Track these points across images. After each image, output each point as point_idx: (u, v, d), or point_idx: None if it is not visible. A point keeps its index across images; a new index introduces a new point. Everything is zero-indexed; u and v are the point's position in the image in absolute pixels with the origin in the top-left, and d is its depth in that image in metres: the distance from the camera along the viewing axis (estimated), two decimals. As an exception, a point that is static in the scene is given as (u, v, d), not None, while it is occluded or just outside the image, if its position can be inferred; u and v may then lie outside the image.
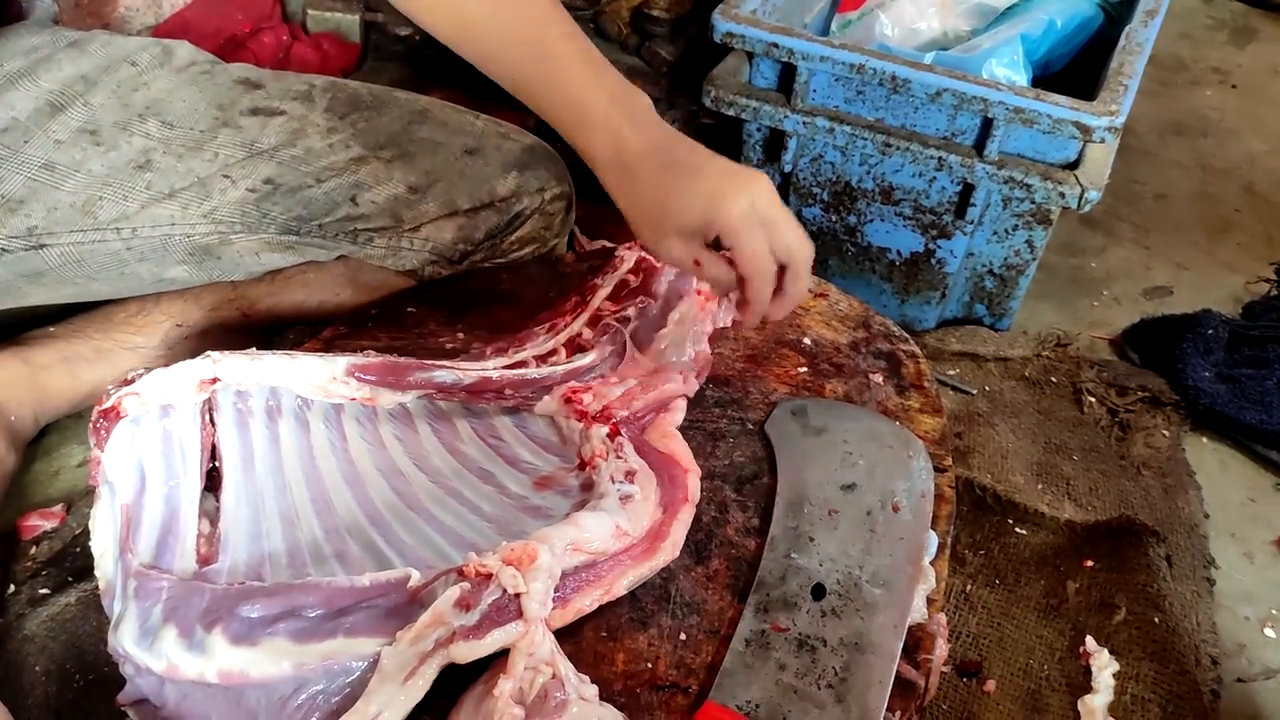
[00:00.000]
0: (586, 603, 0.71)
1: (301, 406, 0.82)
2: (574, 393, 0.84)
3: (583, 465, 0.80)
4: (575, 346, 0.89)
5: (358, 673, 0.63)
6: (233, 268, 0.97)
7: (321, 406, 0.82)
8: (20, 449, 0.96)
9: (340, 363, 0.80)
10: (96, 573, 0.73)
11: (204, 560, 0.72)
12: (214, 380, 0.78)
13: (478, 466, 0.82)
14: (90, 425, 0.75)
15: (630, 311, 0.91)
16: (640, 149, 0.80)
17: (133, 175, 0.92)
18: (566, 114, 0.82)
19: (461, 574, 0.65)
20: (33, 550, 0.92)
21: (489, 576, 0.64)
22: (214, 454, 0.79)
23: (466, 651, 0.62)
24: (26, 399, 0.95)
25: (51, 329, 1.00)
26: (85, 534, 0.93)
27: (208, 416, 0.79)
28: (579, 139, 0.82)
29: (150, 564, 0.70)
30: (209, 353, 0.78)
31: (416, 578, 0.66)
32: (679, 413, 0.87)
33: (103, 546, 0.74)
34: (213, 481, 0.78)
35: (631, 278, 0.94)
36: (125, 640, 0.65)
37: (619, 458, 0.78)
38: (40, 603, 0.86)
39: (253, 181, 0.95)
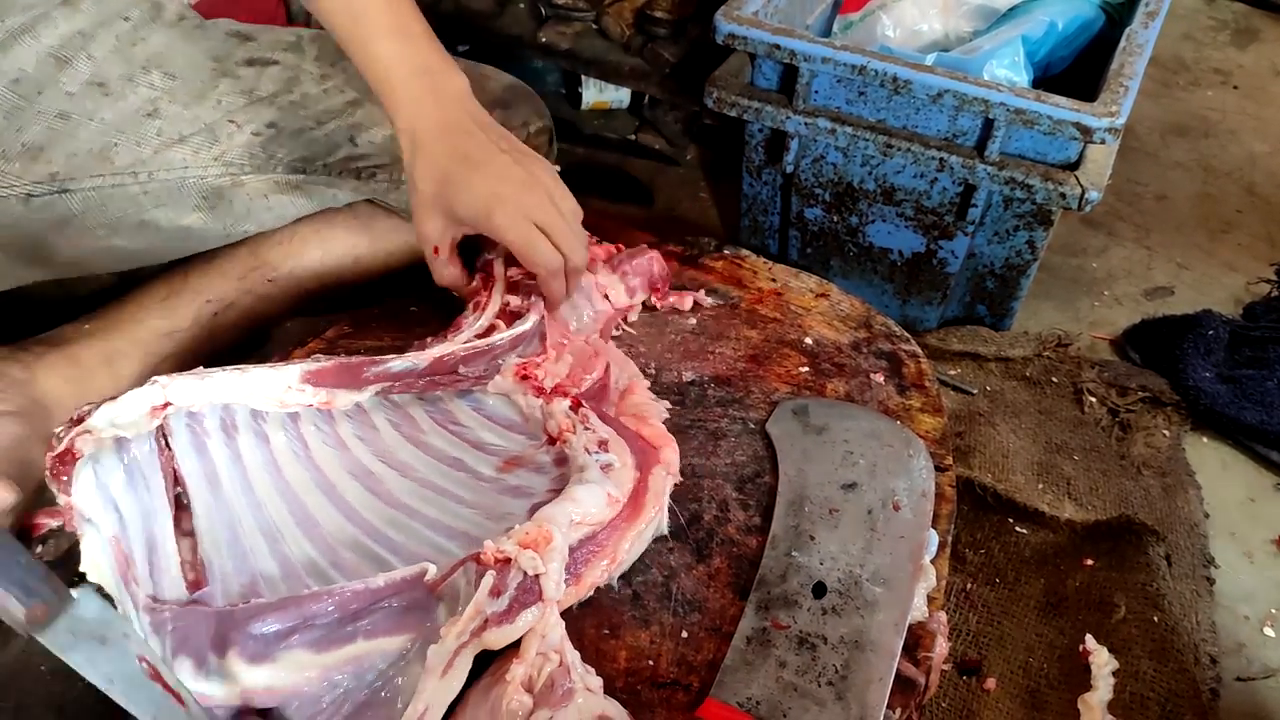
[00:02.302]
0: (597, 574, 0.72)
1: (256, 419, 0.80)
2: (526, 368, 0.85)
3: (552, 440, 0.81)
4: (510, 315, 0.89)
5: (382, 671, 0.64)
6: (245, 214, 1.00)
7: (277, 416, 0.81)
8: None
9: (292, 371, 0.78)
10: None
11: (193, 585, 0.72)
12: (165, 405, 0.76)
13: (446, 455, 0.82)
14: (48, 473, 0.72)
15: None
16: (435, 128, 0.86)
17: (143, 123, 0.96)
18: (374, 79, 0.88)
19: (479, 562, 0.65)
20: (39, 549, 0.92)
21: (508, 561, 0.65)
22: (178, 479, 0.77)
23: (499, 637, 0.63)
24: (71, 406, 0.96)
25: (86, 326, 1.00)
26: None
27: (163, 442, 0.77)
28: (384, 105, 0.88)
29: (151, 596, 0.69)
30: (156, 378, 0.76)
31: (434, 571, 0.66)
32: (645, 395, 0.88)
33: (102, 580, 0.73)
34: (184, 506, 0.77)
35: None
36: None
37: (588, 429, 0.79)
38: (46, 601, 0.86)
39: (257, 125, 0.99)
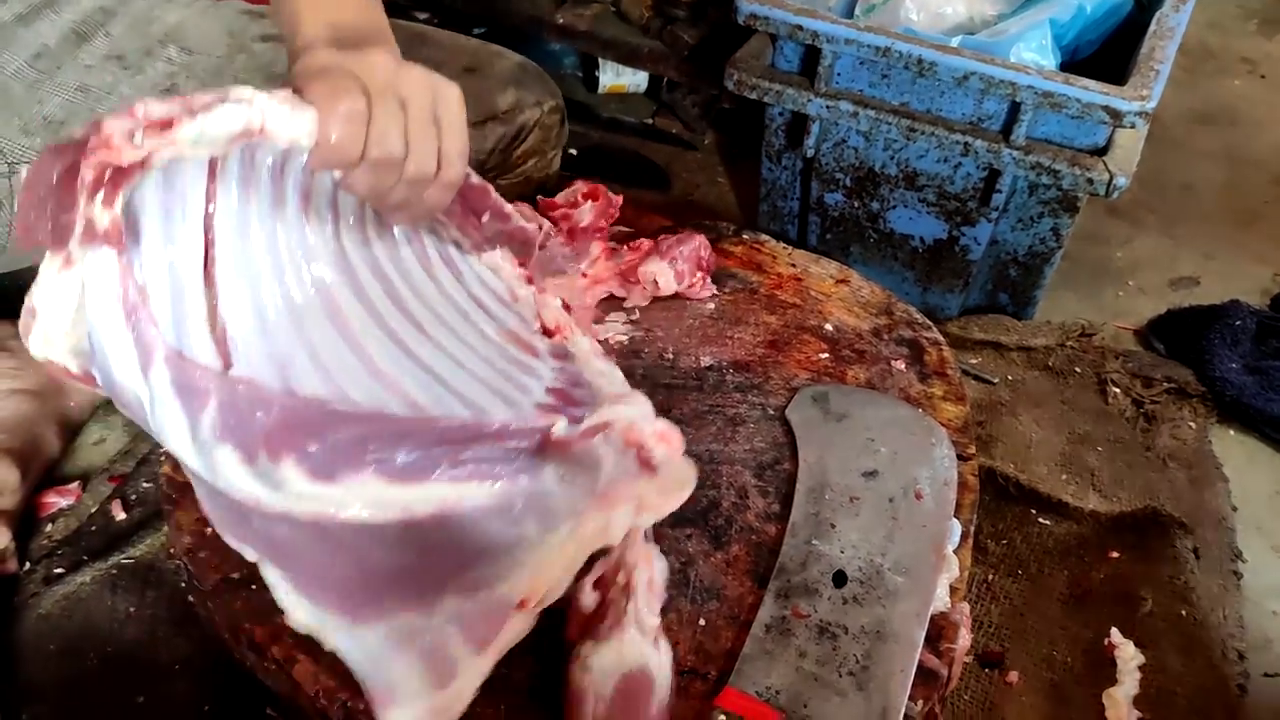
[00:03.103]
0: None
1: (307, 173, 0.69)
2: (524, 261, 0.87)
3: (547, 331, 0.83)
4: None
5: (464, 528, 0.57)
6: None
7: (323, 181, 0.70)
8: (66, 438, 0.96)
9: None
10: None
11: (222, 355, 0.61)
12: (262, 129, 0.61)
13: (452, 298, 0.79)
14: (88, 176, 0.56)
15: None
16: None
17: (160, 98, 0.94)
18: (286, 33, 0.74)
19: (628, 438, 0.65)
20: (49, 528, 0.91)
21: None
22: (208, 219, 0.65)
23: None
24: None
25: None
26: (100, 512, 0.93)
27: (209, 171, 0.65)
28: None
29: (175, 349, 0.59)
30: (251, 93, 0.61)
31: (562, 426, 0.64)
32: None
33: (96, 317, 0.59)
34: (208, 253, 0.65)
35: None
36: (171, 438, 0.56)
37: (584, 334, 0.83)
38: (55, 581, 0.86)
39: None
